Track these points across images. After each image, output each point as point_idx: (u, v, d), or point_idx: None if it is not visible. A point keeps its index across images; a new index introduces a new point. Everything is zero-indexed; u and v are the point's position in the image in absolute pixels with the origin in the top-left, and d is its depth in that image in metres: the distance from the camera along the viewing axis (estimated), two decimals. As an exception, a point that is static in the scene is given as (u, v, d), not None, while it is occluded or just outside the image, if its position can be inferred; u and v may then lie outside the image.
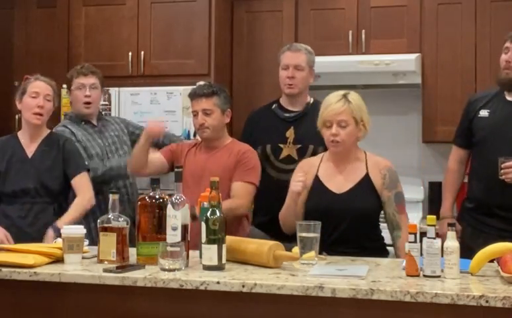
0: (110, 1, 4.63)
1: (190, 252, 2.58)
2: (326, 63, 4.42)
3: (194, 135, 4.02)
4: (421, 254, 2.35)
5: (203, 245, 2.46)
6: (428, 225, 2.35)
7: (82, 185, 3.29)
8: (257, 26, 4.75)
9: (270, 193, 3.35)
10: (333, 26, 4.61)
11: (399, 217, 2.94)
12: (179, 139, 3.90)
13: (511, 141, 3.21)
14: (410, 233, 2.39)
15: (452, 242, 2.31)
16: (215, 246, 2.42)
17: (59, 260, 2.58)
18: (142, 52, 4.51)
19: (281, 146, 3.54)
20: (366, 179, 2.96)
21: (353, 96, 2.97)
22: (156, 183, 2.63)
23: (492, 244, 2.43)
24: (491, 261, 2.42)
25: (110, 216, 2.64)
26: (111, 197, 2.68)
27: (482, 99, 3.41)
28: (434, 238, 2.32)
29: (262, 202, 3.51)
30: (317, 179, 3.01)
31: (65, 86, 4.07)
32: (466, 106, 3.49)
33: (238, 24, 4.80)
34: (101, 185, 3.53)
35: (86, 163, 3.46)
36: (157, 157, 3.43)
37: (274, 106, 3.66)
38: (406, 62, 4.37)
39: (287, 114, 3.60)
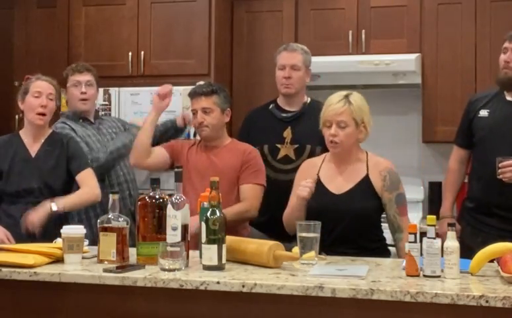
0: (110, 1, 4.63)
1: (190, 252, 2.58)
2: (326, 63, 4.43)
3: (194, 135, 4.01)
4: (421, 254, 2.35)
5: (203, 245, 2.46)
6: (428, 225, 2.35)
7: (88, 180, 3.29)
8: (257, 26, 4.76)
9: (268, 193, 3.35)
10: (333, 26, 4.61)
11: (401, 219, 2.93)
12: (172, 122, 3.85)
13: (509, 141, 3.22)
14: (410, 233, 2.39)
15: (452, 242, 2.32)
16: (215, 246, 2.42)
17: (59, 260, 2.58)
18: (142, 52, 4.51)
19: (278, 146, 3.54)
20: (366, 180, 2.95)
21: (355, 97, 2.96)
22: (156, 183, 2.63)
23: (492, 244, 2.43)
24: (491, 261, 2.42)
25: (110, 216, 2.64)
26: (111, 197, 2.68)
27: (482, 99, 3.42)
28: (434, 238, 2.32)
29: None
30: (317, 179, 3.01)
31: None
32: (466, 106, 3.49)
33: (238, 24, 4.80)
34: (106, 171, 3.58)
35: (89, 156, 3.47)
36: (159, 150, 3.42)
37: (271, 106, 3.66)
38: (406, 62, 4.37)
39: (284, 114, 3.60)
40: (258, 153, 3.41)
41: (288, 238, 2.84)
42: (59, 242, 2.67)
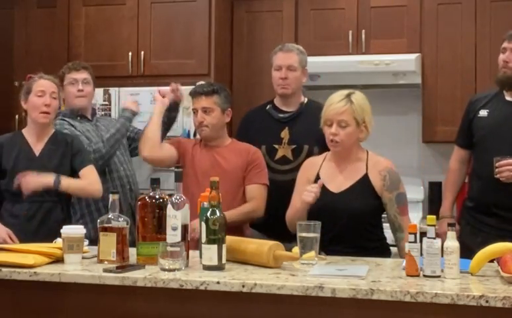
0: (110, 1, 4.63)
1: (190, 252, 2.58)
2: (326, 63, 4.43)
3: (194, 135, 4.02)
4: (421, 254, 2.35)
5: (203, 245, 2.46)
6: (428, 225, 2.36)
7: (91, 175, 3.30)
8: (257, 26, 4.76)
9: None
10: (333, 26, 4.61)
11: (401, 219, 2.92)
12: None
13: (509, 141, 3.22)
14: (410, 233, 2.39)
15: (452, 242, 2.32)
16: (215, 246, 2.42)
17: (59, 260, 2.58)
18: (142, 52, 4.51)
19: (276, 146, 3.53)
20: (365, 179, 2.95)
21: (357, 96, 2.95)
22: (156, 183, 2.63)
23: (492, 244, 2.43)
24: (491, 261, 2.43)
25: (110, 216, 2.64)
26: (111, 197, 2.68)
27: (482, 99, 3.42)
28: (434, 238, 2.32)
29: None
30: (317, 178, 3.01)
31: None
32: (466, 106, 3.50)
33: (238, 24, 4.80)
34: (107, 160, 3.60)
35: (89, 148, 3.49)
36: (167, 145, 3.43)
37: (268, 107, 3.66)
38: (406, 62, 4.37)
39: (281, 115, 3.60)
40: (261, 153, 3.41)
41: (287, 239, 2.84)
42: (59, 242, 2.67)
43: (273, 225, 3.18)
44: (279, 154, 3.53)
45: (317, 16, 4.65)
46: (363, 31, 4.53)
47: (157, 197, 2.60)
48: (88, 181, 3.28)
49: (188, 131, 4.20)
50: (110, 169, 3.67)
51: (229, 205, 3.12)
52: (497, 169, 3.13)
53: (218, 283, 2.26)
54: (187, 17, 4.48)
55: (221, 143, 3.41)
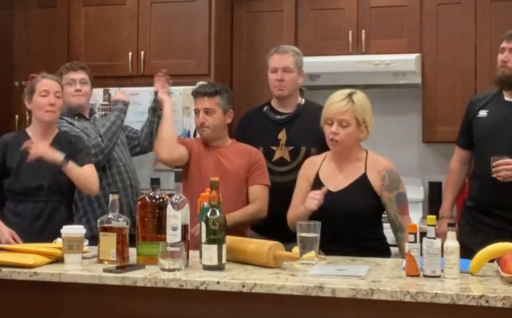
0: (110, 1, 4.63)
1: (190, 252, 2.58)
2: (326, 63, 4.43)
3: (195, 134, 4.02)
4: (421, 254, 2.35)
5: (203, 245, 2.46)
6: (428, 225, 2.36)
7: (90, 172, 3.30)
8: (257, 26, 4.75)
9: None
10: (333, 26, 4.61)
11: (402, 219, 2.91)
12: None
13: (508, 141, 3.22)
14: (410, 233, 2.39)
15: (452, 242, 2.32)
16: (215, 246, 2.42)
17: (59, 260, 2.58)
18: (142, 52, 4.51)
19: (273, 148, 3.53)
20: (363, 179, 2.95)
21: (358, 96, 2.95)
22: (156, 183, 2.63)
23: (492, 244, 2.43)
24: (491, 261, 2.43)
25: (110, 216, 2.64)
26: (111, 196, 2.68)
27: (482, 99, 3.43)
28: (434, 238, 2.32)
29: None
30: (317, 178, 3.02)
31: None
32: (467, 107, 3.51)
33: (238, 24, 4.80)
34: (108, 154, 3.62)
35: (89, 144, 3.49)
36: (179, 144, 3.42)
37: (265, 108, 3.65)
38: (406, 62, 4.36)
39: (278, 117, 3.59)
40: (262, 154, 3.41)
41: (286, 241, 2.83)
42: (59, 242, 2.67)
43: (272, 227, 3.18)
44: (276, 156, 3.52)
45: (317, 16, 4.65)
46: (363, 31, 4.53)
47: (157, 197, 2.60)
48: (88, 175, 3.28)
49: (188, 131, 4.20)
50: (109, 165, 3.68)
51: (232, 205, 3.12)
52: (493, 169, 3.14)
53: (218, 283, 2.26)
54: (187, 17, 4.48)
55: (222, 144, 3.41)
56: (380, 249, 2.97)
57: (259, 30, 4.74)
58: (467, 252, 2.45)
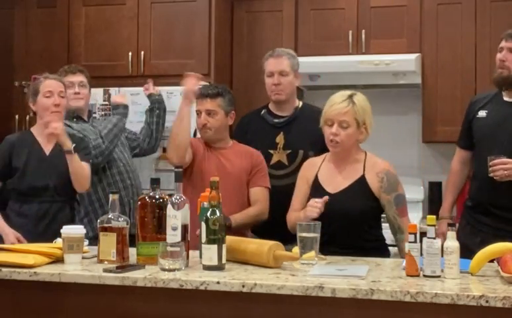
0: (110, 1, 4.63)
1: (190, 252, 2.58)
2: (326, 63, 4.43)
3: (195, 135, 4.01)
4: (421, 254, 2.35)
5: (203, 245, 2.45)
6: (428, 225, 2.36)
7: (86, 169, 3.30)
8: (257, 26, 4.76)
9: None
10: (333, 26, 4.61)
11: (401, 220, 2.91)
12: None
13: (507, 141, 3.22)
14: (410, 233, 2.39)
15: (452, 242, 2.32)
16: (215, 246, 2.42)
17: (59, 260, 2.58)
18: (142, 52, 4.51)
19: (271, 151, 3.52)
20: (361, 181, 2.95)
21: (359, 97, 2.95)
22: (156, 183, 2.63)
23: (492, 244, 2.43)
24: (491, 261, 2.43)
25: (110, 216, 2.64)
26: (111, 196, 2.68)
27: (482, 99, 3.43)
28: (434, 238, 2.32)
29: None
30: (316, 179, 3.01)
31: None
32: (467, 107, 3.51)
33: (238, 24, 4.80)
34: (108, 155, 3.62)
35: (89, 144, 3.50)
36: None
37: (263, 112, 3.65)
38: (406, 62, 4.37)
39: (276, 120, 3.58)
40: (262, 156, 3.41)
41: (284, 243, 2.83)
42: (59, 242, 2.68)
43: (270, 229, 3.17)
44: (274, 159, 3.51)
45: (317, 16, 4.65)
46: (363, 31, 4.53)
47: (157, 197, 2.60)
48: (84, 171, 3.27)
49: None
50: (109, 165, 3.68)
51: (233, 207, 3.12)
52: (490, 168, 3.14)
53: (218, 283, 2.26)
54: (187, 17, 4.48)
55: (223, 145, 3.41)
56: (379, 249, 2.97)
57: (259, 30, 4.74)
58: (467, 252, 2.45)
